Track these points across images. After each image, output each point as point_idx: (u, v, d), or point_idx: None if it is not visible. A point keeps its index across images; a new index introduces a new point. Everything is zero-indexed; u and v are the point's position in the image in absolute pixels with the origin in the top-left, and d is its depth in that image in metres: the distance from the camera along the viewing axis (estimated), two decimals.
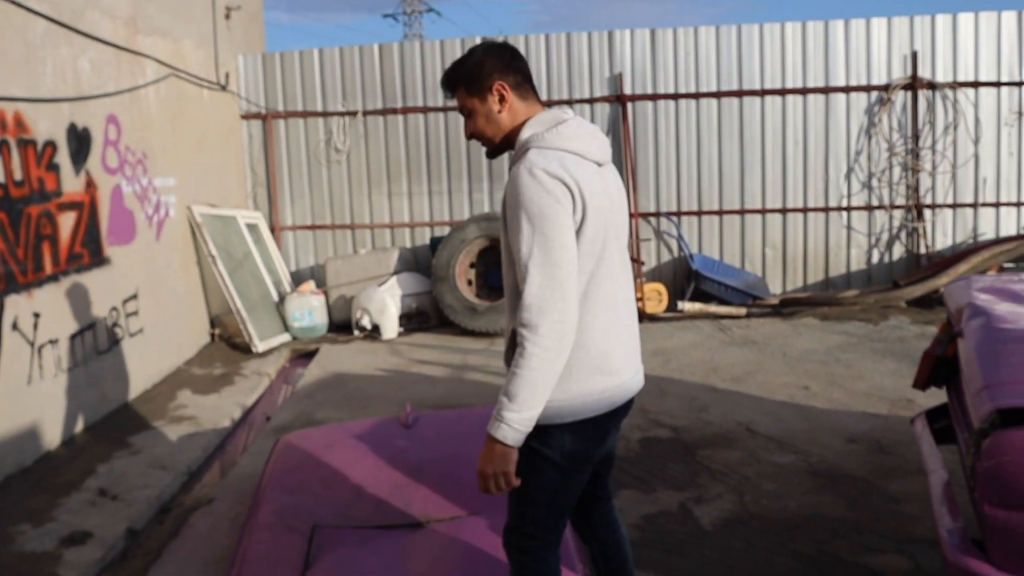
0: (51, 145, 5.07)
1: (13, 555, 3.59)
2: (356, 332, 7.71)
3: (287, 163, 8.61)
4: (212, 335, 7.48)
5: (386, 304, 7.56)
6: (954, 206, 8.17)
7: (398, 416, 3.78)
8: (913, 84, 7.99)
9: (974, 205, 8.15)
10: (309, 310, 7.74)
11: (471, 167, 8.47)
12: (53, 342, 4.96)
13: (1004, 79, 7.97)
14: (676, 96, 8.20)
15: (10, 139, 4.66)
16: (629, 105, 8.21)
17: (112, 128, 5.86)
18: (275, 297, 7.88)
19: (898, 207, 8.19)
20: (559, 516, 2.21)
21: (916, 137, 8.07)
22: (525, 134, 2.12)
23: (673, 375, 5.88)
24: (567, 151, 2.07)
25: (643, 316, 7.71)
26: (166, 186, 6.74)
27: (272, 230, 8.57)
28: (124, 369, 5.80)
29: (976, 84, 7.99)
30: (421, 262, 8.35)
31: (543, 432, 2.08)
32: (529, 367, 1.95)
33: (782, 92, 8.12)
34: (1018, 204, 8.13)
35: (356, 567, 2.78)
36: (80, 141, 5.41)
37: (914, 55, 7.99)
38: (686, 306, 7.75)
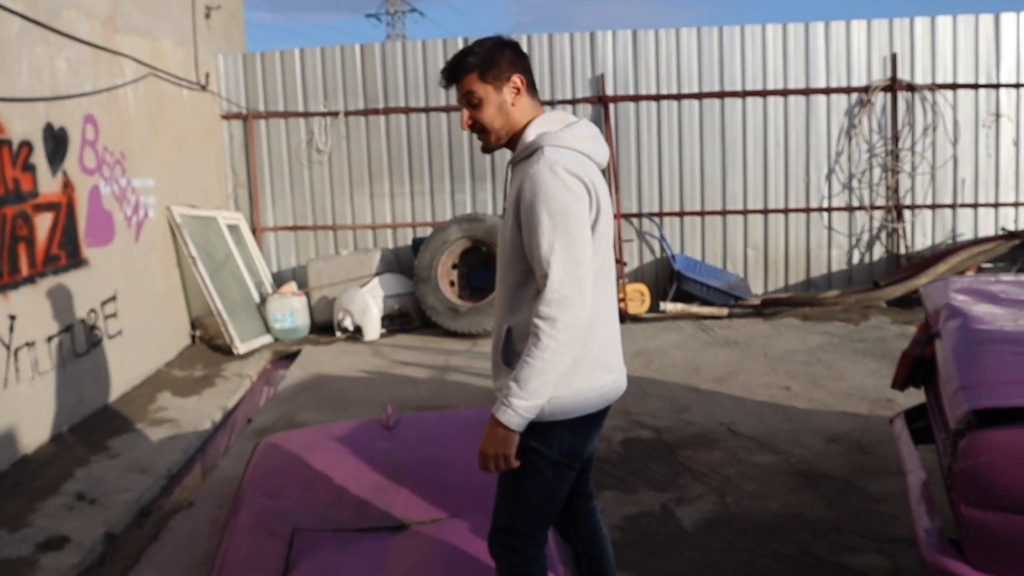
0: (27, 145, 5.01)
1: None
2: (338, 333, 7.68)
3: (268, 164, 8.56)
4: (193, 337, 7.43)
5: (368, 305, 7.54)
6: (933, 207, 8.24)
7: (379, 418, 3.77)
8: (892, 86, 8.05)
9: (953, 206, 8.23)
10: (291, 311, 7.70)
11: (453, 168, 8.45)
12: (30, 344, 4.90)
13: (982, 81, 8.06)
14: (658, 97, 8.22)
15: None
16: (611, 106, 8.23)
17: (90, 128, 5.80)
18: (256, 298, 7.83)
19: (878, 208, 8.26)
20: (550, 514, 2.25)
21: (896, 138, 8.14)
22: (534, 132, 2.14)
23: (655, 376, 5.90)
24: (579, 151, 2.11)
25: (625, 317, 7.73)
26: (145, 187, 6.68)
27: (253, 231, 8.52)
28: (103, 371, 5.74)
29: (954, 86, 8.06)
30: (403, 263, 8.33)
31: (543, 431, 2.12)
32: (543, 358, 2.00)
33: (763, 93, 8.16)
34: (996, 205, 8.22)
35: (336, 570, 2.77)
36: (57, 141, 5.35)
37: (893, 57, 8.06)
38: (668, 307, 7.77)
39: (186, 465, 4.84)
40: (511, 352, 2.15)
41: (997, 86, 8.05)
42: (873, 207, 8.26)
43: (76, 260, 5.51)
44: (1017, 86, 8.06)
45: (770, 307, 7.74)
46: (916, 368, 3.25)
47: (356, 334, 7.61)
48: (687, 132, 8.27)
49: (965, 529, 2.12)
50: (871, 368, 5.81)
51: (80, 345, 5.47)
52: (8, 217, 4.77)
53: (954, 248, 7.87)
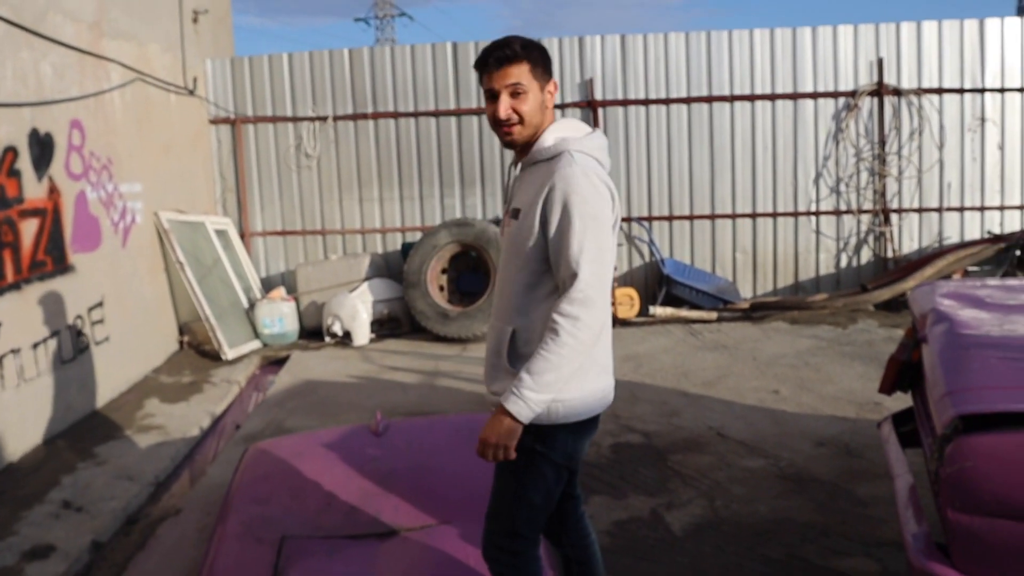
0: (12, 151, 4.98)
1: None
2: (327, 339, 7.66)
3: (257, 168, 8.54)
4: (181, 342, 7.39)
5: (357, 310, 7.52)
6: (920, 210, 8.29)
7: (369, 424, 3.75)
8: (879, 90, 8.10)
9: (939, 209, 8.28)
10: (280, 317, 7.67)
11: (442, 173, 8.44)
12: (15, 351, 4.86)
13: (967, 86, 8.12)
14: (647, 102, 8.24)
15: None
16: (600, 110, 8.24)
17: (76, 133, 5.76)
18: (245, 304, 7.80)
19: (865, 211, 8.31)
20: (546, 515, 2.30)
21: (883, 143, 8.19)
22: (554, 136, 2.18)
23: (644, 380, 5.90)
24: (598, 160, 2.18)
25: (615, 321, 7.74)
26: (132, 192, 6.65)
27: (242, 236, 8.49)
28: (90, 378, 5.70)
29: (940, 91, 8.12)
30: (393, 268, 8.31)
31: (548, 435, 2.15)
32: (560, 354, 2.03)
33: (751, 98, 8.20)
34: (982, 208, 8.28)
35: None
36: (42, 147, 5.32)
37: (880, 62, 8.11)
38: (657, 311, 7.79)
39: (174, 472, 4.81)
40: (515, 354, 2.16)
41: (982, 91, 8.11)
42: (860, 211, 8.30)
43: (62, 266, 5.47)
44: (1002, 91, 8.12)
45: (759, 311, 7.77)
46: (903, 372, 3.26)
47: (345, 339, 7.59)
48: (676, 136, 8.29)
49: (952, 533, 2.13)
50: (859, 371, 5.84)
51: (67, 351, 5.43)
52: None
53: (941, 252, 7.92)
